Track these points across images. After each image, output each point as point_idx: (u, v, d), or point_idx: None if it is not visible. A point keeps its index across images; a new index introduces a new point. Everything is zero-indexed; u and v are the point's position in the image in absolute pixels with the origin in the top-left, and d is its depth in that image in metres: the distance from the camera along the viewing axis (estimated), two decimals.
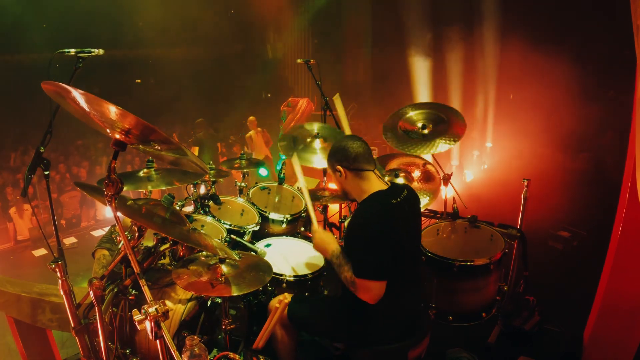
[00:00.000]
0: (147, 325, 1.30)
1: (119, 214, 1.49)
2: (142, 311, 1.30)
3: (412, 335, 2.03)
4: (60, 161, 9.33)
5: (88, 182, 7.27)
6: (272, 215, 3.12)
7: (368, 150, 2.00)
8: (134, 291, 2.12)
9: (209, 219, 2.91)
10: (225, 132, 11.62)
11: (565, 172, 7.75)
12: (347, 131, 2.66)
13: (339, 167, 1.97)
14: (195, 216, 2.93)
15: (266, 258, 2.39)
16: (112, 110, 1.33)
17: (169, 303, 2.22)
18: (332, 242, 2.00)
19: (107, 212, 8.31)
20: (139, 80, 14.47)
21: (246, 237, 2.94)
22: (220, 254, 2.02)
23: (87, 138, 10.91)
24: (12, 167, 9.54)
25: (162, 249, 2.04)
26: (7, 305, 2.33)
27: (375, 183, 1.97)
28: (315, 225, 2.13)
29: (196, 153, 7.92)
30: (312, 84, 3.74)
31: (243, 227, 2.95)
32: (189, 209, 3.50)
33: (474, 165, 9.20)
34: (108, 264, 3.28)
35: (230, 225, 2.89)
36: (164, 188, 2.63)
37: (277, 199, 3.49)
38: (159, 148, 1.56)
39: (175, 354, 1.30)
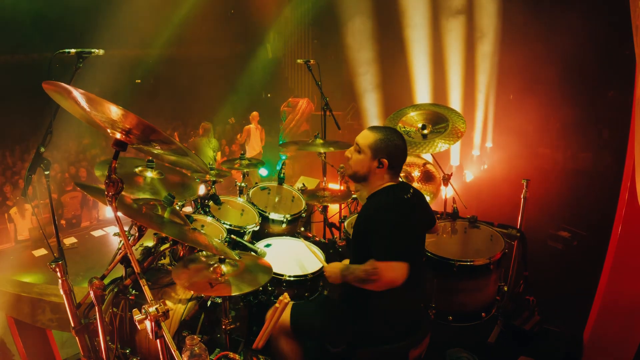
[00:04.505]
0: (147, 324, 1.30)
1: (119, 213, 1.49)
2: (143, 311, 1.30)
3: (413, 335, 2.03)
4: (59, 161, 9.31)
5: (88, 182, 7.28)
6: (272, 216, 3.13)
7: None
8: (134, 291, 2.12)
9: (209, 219, 2.91)
10: (225, 132, 11.62)
11: (565, 172, 7.77)
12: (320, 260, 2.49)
13: (385, 161, 1.94)
14: (195, 216, 2.93)
15: (266, 258, 2.39)
16: (113, 110, 1.33)
17: (169, 303, 2.22)
18: (338, 264, 2.10)
19: (107, 212, 8.31)
20: (139, 80, 14.45)
21: (246, 237, 2.94)
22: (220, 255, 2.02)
23: (88, 138, 10.91)
24: (12, 167, 9.53)
25: (162, 249, 2.04)
26: (7, 305, 2.33)
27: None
28: (324, 264, 2.26)
29: None
30: (312, 84, 3.74)
31: (243, 227, 2.95)
32: (189, 209, 3.50)
33: (474, 165, 9.20)
34: None
35: (230, 225, 2.89)
36: None
37: (277, 199, 3.49)
38: (159, 148, 1.56)
39: (175, 353, 1.30)
